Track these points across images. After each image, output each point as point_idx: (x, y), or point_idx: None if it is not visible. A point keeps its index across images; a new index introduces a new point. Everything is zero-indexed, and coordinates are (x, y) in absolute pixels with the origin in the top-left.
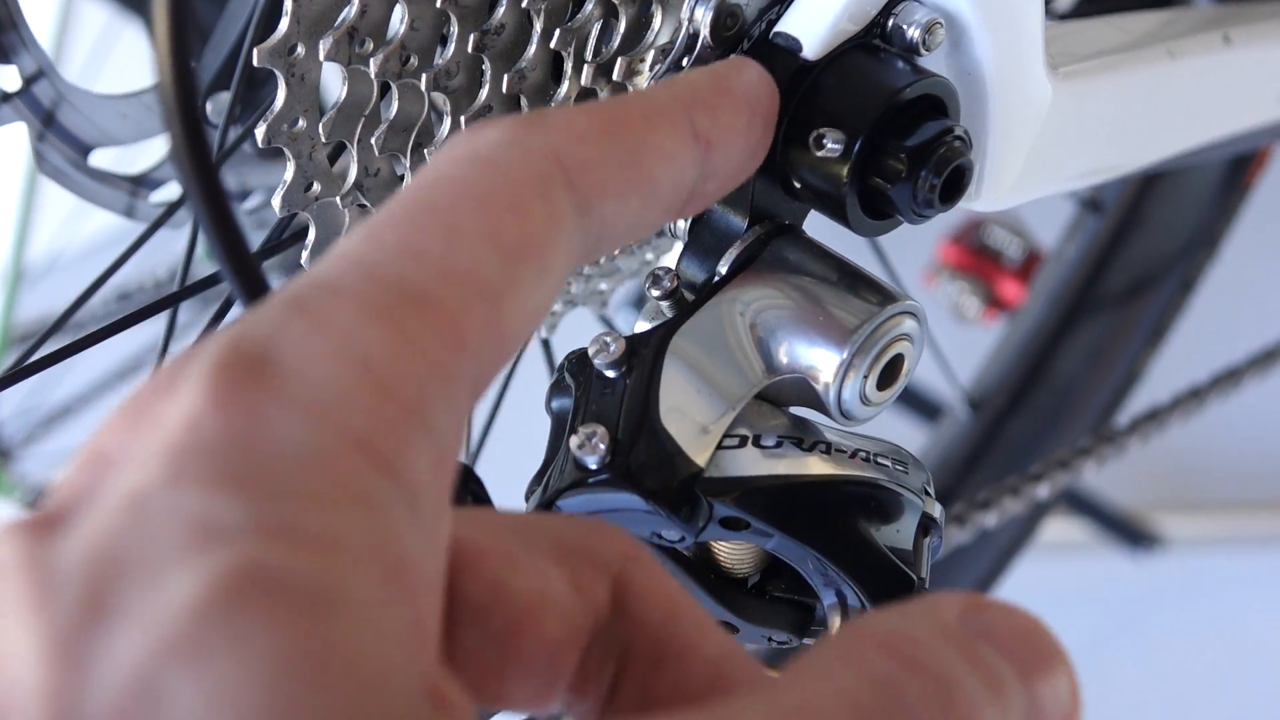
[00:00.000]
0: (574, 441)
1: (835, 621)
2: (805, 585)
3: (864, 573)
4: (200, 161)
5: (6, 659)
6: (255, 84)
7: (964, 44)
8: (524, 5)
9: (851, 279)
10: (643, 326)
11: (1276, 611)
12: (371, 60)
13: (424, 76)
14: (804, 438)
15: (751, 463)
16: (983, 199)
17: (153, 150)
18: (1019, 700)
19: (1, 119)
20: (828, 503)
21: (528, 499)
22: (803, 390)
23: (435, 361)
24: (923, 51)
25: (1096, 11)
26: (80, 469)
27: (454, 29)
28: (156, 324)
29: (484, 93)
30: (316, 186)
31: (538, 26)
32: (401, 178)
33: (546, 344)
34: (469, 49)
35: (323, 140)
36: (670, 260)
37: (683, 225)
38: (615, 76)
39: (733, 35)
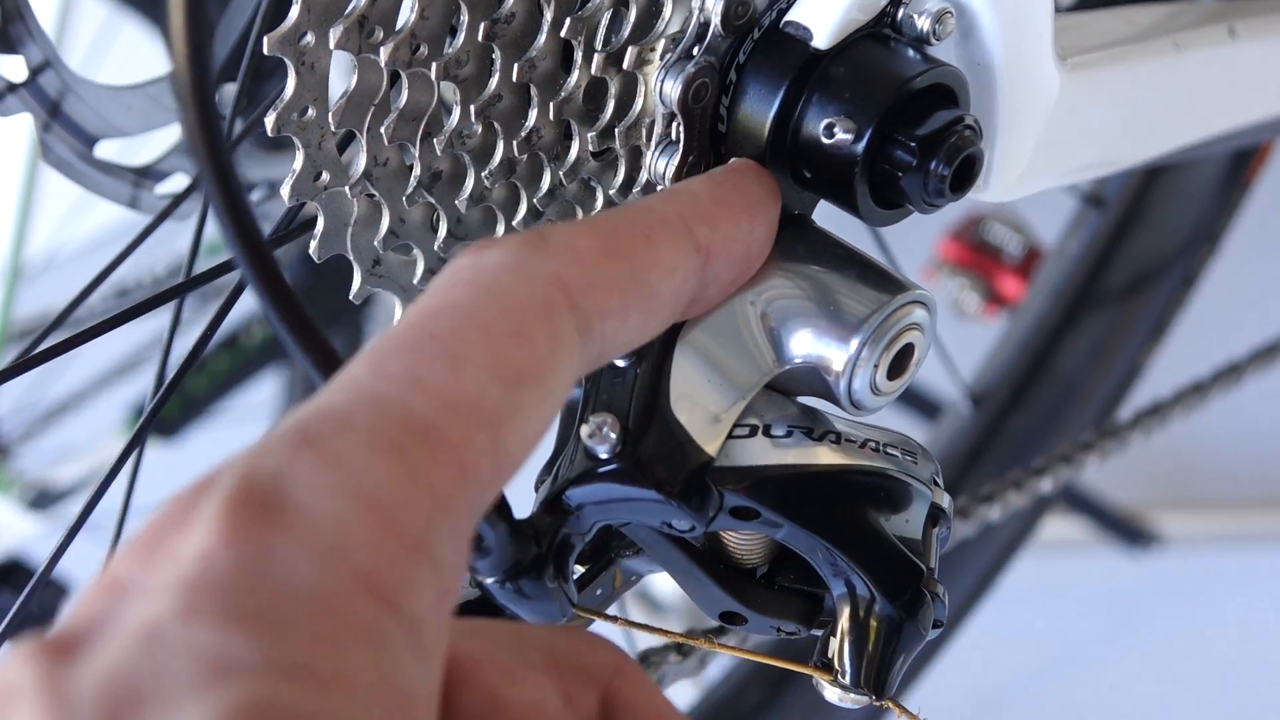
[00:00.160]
0: (584, 431)
1: (844, 611)
2: (814, 575)
3: (873, 562)
4: (213, 142)
5: None
6: (260, 77)
7: (974, 34)
8: None
9: (862, 268)
10: None
11: (1274, 609)
12: (381, 49)
13: (434, 65)
14: (814, 427)
15: (762, 452)
16: (991, 189)
17: (158, 142)
18: None
19: (8, 109)
20: (837, 492)
21: (537, 488)
22: (813, 380)
23: (440, 494)
24: (933, 41)
25: (1103, 4)
26: (96, 596)
27: (464, 18)
28: (154, 321)
29: (494, 82)
30: (325, 176)
31: (548, 15)
32: (410, 167)
33: None
34: (479, 38)
35: (332, 129)
36: None
37: None
38: (626, 65)
39: (743, 24)
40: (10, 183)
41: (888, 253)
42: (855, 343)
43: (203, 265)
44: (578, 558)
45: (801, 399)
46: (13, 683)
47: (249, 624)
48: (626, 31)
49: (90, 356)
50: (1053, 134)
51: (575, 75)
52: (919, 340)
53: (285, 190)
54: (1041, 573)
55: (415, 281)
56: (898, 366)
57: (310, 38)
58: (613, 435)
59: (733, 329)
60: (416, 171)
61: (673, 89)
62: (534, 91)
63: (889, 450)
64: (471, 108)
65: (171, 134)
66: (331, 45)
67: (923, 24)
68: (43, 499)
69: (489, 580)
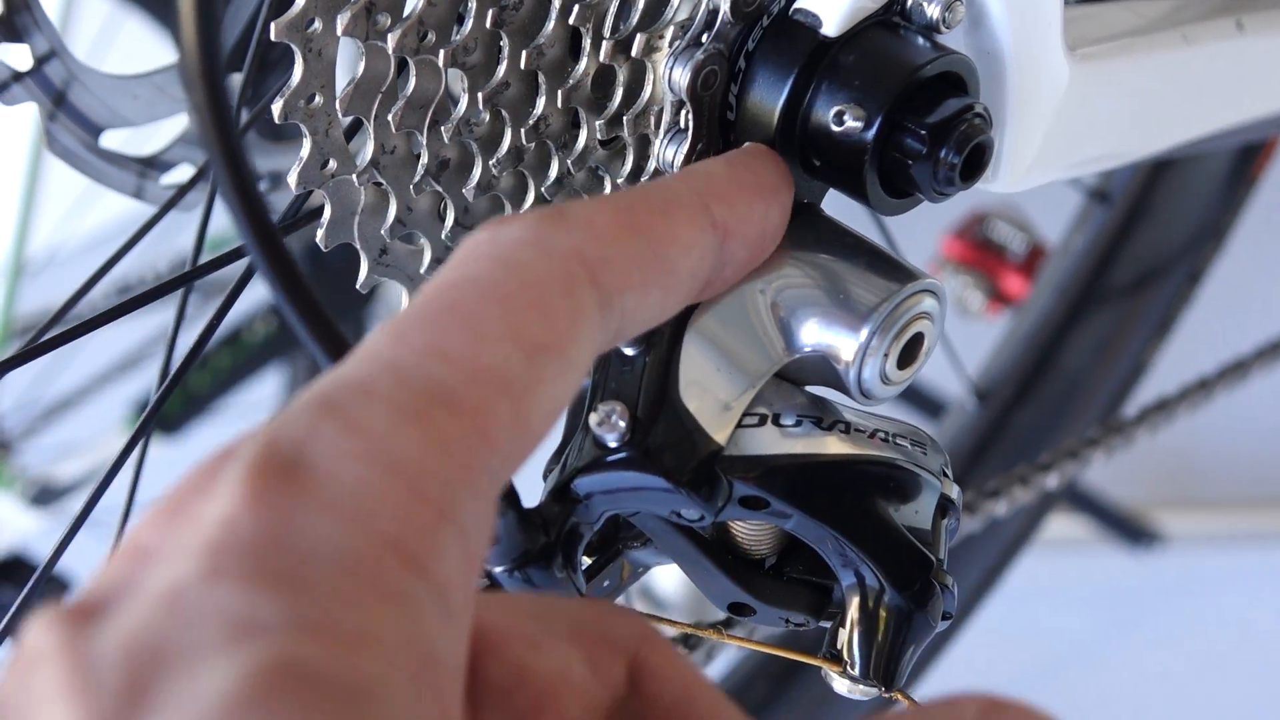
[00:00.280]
0: (593, 419)
1: (853, 602)
2: (823, 567)
3: (882, 553)
4: (223, 124)
5: None
6: (265, 67)
7: (984, 23)
8: None
9: (871, 257)
10: None
11: (1275, 608)
12: (389, 36)
13: (441, 53)
14: (823, 417)
15: (771, 441)
16: (1000, 180)
17: (164, 132)
18: None
19: (13, 98)
20: (847, 482)
21: (545, 477)
22: (822, 369)
23: (463, 461)
24: (942, 29)
25: None
26: (119, 561)
27: (472, 5)
28: (156, 317)
29: (501, 69)
30: (332, 163)
31: (556, 2)
32: (418, 156)
33: None
34: (487, 25)
35: (339, 117)
36: None
37: None
38: (634, 53)
39: (753, 11)
40: (13, 179)
41: (893, 248)
42: (865, 331)
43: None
44: (585, 549)
45: (811, 388)
46: (36, 648)
47: (274, 585)
48: (635, 18)
49: (92, 353)
50: (1062, 125)
51: (583, 63)
52: (929, 329)
53: (292, 178)
54: (1044, 571)
55: (422, 271)
56: (907, 356)
57: (318, 24)
58: (621, 423)
59: (742, 317)
60: (424, 160)
61: (681, 76)
62: (542, 79)
63: (898, 440)
64: (479, 95)
65: (177, 124)
66: (339, 32)
67: (932, 11)
68: (45, 495)
69: (497, 569)
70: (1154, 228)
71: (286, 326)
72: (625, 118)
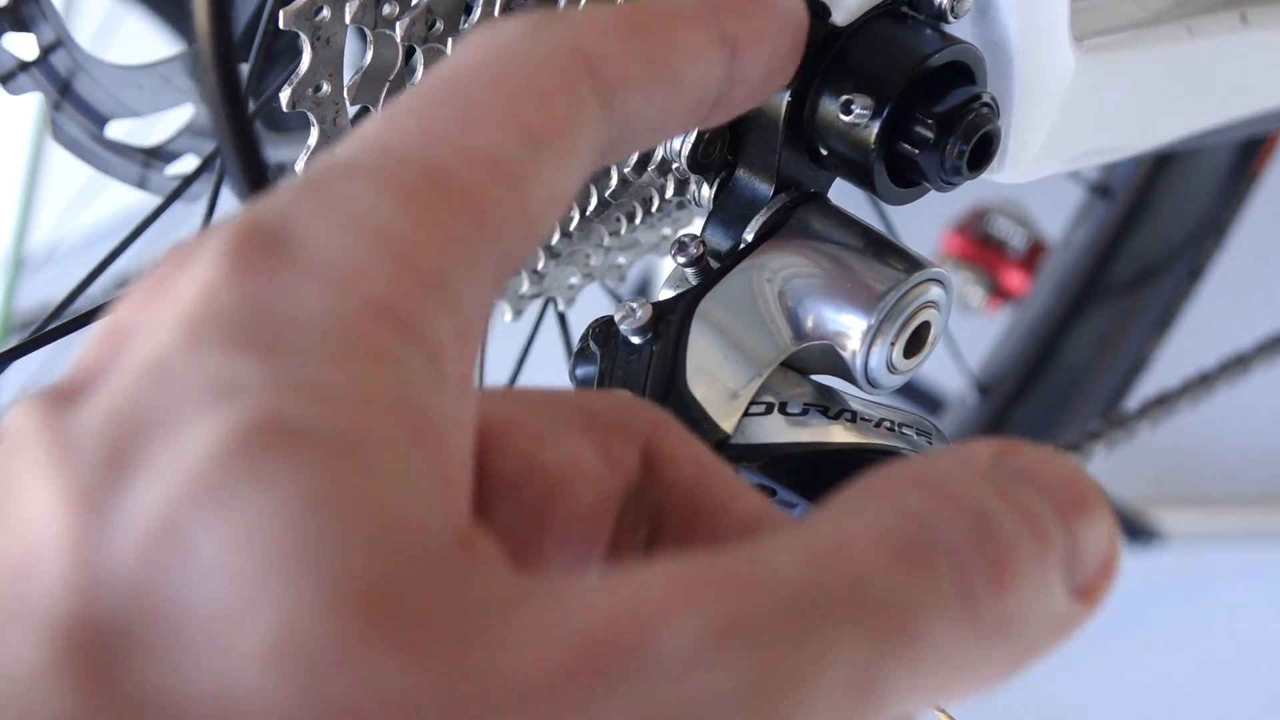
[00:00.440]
0: None
1: None
2: None
3: None
4: (235, 104)
5: (29, 518)
6: (271, 58)
7: (991, 13)
8: None
9: (878, 246)
10: (668, 294)
11: (1275, 606)
12: (397, 24)
13: (449, 41)
14: (830, 406)
15: (777, 430)
16: (1006, 171)
17: (169, 122)
18: (1058, 537)
19: (19, 88)
20: (852, 471)
21: None
22: (829, 358)
23: (454, 237)
24: (950, 19)
25: None
26: (98, 343)
27: None
28: None
29: None
30: None
31: None
32: None
33: (563, 318)
34: (495, 13)
35: (347, 105)
36: (695, 229)
37: (708, 193)
38: None
39: None
40: (13, 173)
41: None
42: (872, 320)
43: None
44: None
45: (817, 377)
46: (16, 432)
47: (256, 348)
48: None
49: None
50: (1067, 116)
51: None
52: (935, 318)
53: (300, 167)
54: None
55: None
56: (914, 345)
57: (326, 12)
58: None
59: (750, 305)
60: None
61: None
62: None
63: (904, 430)
64: None
65: (183, 114)
66: (347, 20)
67: (940, 1)
68: None
69: None
70: (1155, 223)
71: None
72: None
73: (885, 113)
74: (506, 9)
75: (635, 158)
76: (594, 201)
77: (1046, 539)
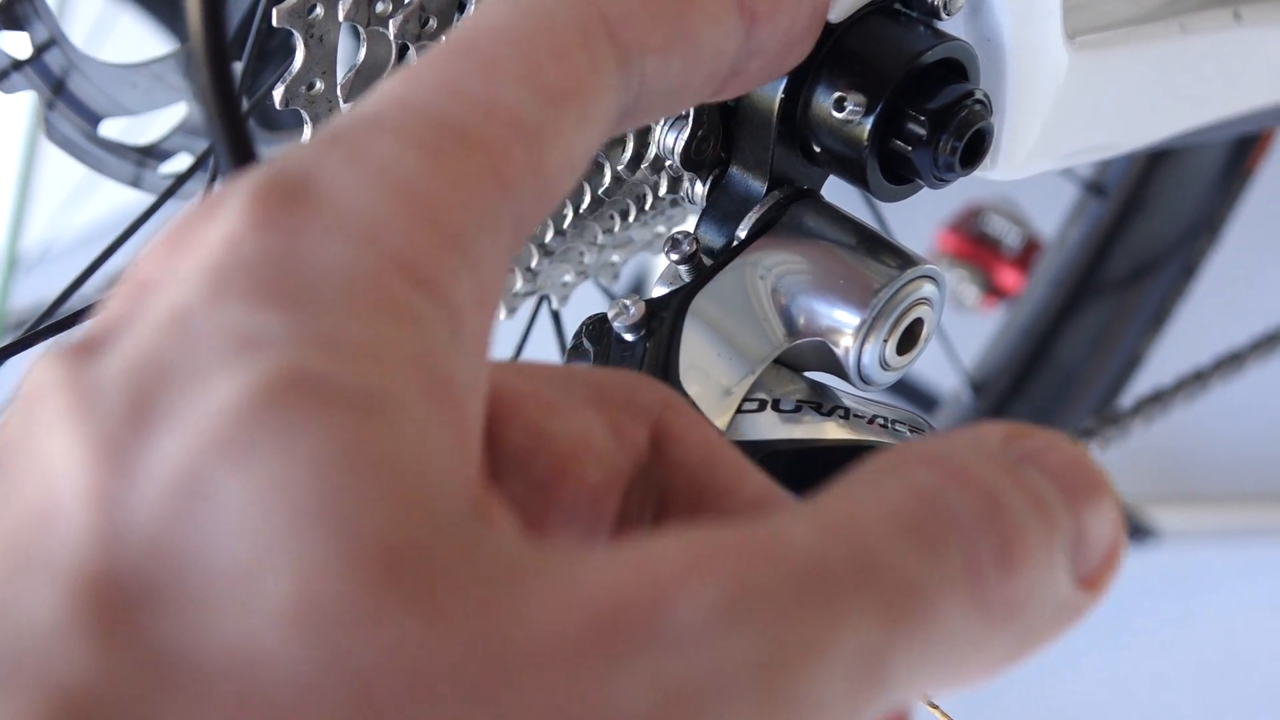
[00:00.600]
0: None
1: None
2: None
3: None
4: (229, 109)
5: (51, 468)
6: (264, 56)
7: (984, 10)
8: None
9: (871, 243)
10: (661, 291)
11: (1270, 604)
12: (390, 21)
13: (443, 39)
14: (822, 402)
15: (770, 426)
16: (999, 168)
17: (162, 121)
18: (1065, 522)
19: (12, 86)
20: (845, 467)
21: None
22: (822, 354)
23: (476, 194)
24: (943, 16)
25: None
26: (120, 296)
27: None
28: None
29: None
30: None
31: None
32: None
33: (557, 316)
34: None
35: (340, 102)
36: (688, 226)
37: (701, 190)
38: None
39: None
40: (7, 173)
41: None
42: (865, 316)
43: None
44: None
45: (810, 374)
46: (37, 384)
47: (279, 301)
48: None
49: None
50: (1060, 113)
51: None
52: (928, 315)
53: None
54: None
55: None
56: (907, 341)
57: (319, 10)
58: None
59: (743, 302)
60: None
61: None
62: None
63: (897, 426)
64: None
65: (176, 113)
66: (340, 17)
67: None
68: None
69: None
70: (1149, 221)
71: None
72: None
73: (878, 109)
74: None
75: (629, 155)
76: (588, 199)
77: (1054, 523)
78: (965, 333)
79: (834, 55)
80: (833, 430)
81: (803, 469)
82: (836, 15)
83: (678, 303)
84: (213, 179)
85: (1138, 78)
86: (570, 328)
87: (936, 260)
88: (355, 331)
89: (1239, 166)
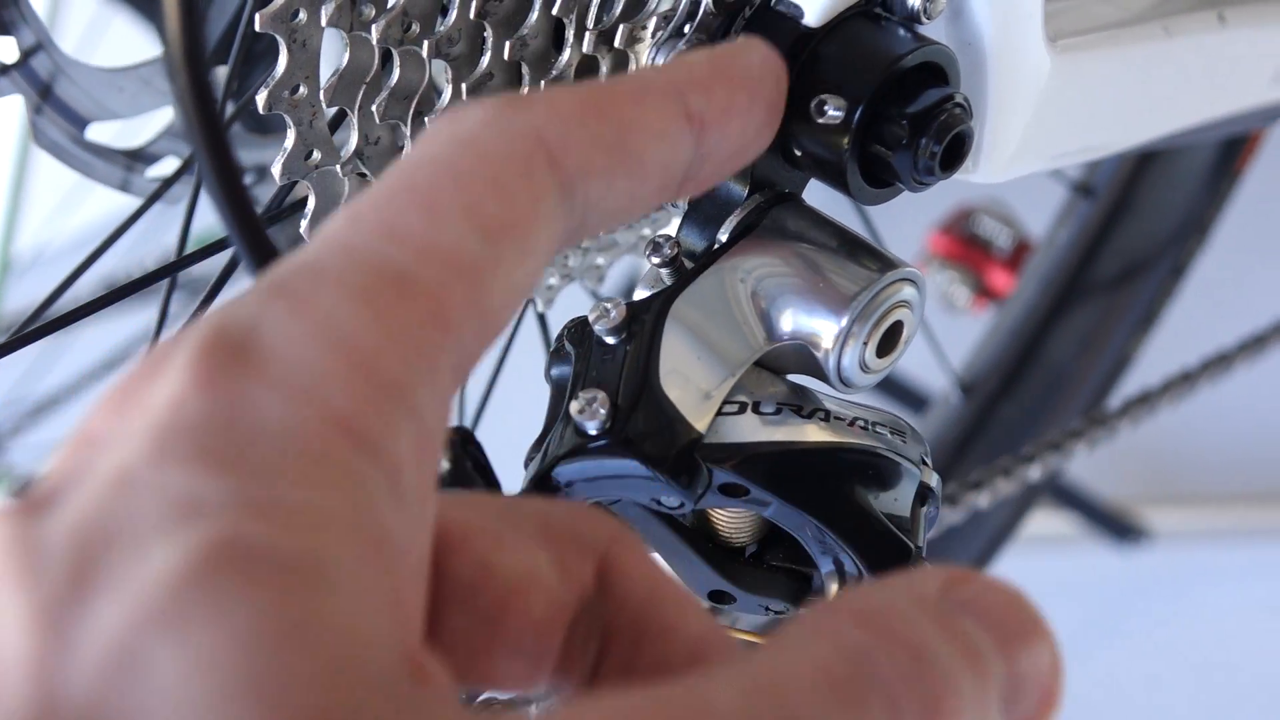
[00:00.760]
0: (574, 407)
1: (832, 589)
2: (803, 554)
3: (861, 540)
4: (207, 112)
5: None
6: (250, 60)
7: (965, 14)
8: None
9: (851, 246)
10: (642, 294)
11: (1262, 604)
12: (373, 26)
13: (425, 43)
14: (803, 405)
15: (751, 429)
16: (981, 171)
17: (150, 125)
18: (997, 670)
19: None
20: (826, 470)
21: (526, 466)
22: (802, 357)
23: (416, 342)
24: (924, 20)
25: None
26: (68, 453)
27: None
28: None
29: (485, 60)
30: (316, 154)
31: None
32: (402, 147)
33: (542, 318)
34: (470, 16)
35: (324, 107)
36: (670, 230)
37: None
38: (617, 44)
39: (735, 2)
40: None
41: (875, 238)
42: (845, 319)
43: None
44: None
45: (791, 377)
46: None
47: (220, 465)
48: (618, 9)
49: (79, 351)
50: (1043, 116)
51: (566, 54)
52: (908, 318)
53: (276, 168)
54: (1029, 567)
55: None
56: (887, 344)
57: (302, 15)
58: (602, 411)
59: (723, 305)
60: (407, 151)
61: None
62: (525, 70)
63: (878, 429)
64: (463, 86)
65: (163, 117)
66: (323, 22)
67: (913, 2)
68: None
69: None
70: (1138, 222)
71: None
72: None
73: (858, 113)
74: (481, 14)
75: None
76: None
77: (985, 672)
78: (957, 334)
79: (814, 59)
80: (814, 433)
81: (783, 472)
82: (816, 20)
83: (658, 306)
84: (199, 184)
85: (1122, 80)
86: (556, 331)
87: (927, 262)
88: (293, 496)
89: (1227, 168)
